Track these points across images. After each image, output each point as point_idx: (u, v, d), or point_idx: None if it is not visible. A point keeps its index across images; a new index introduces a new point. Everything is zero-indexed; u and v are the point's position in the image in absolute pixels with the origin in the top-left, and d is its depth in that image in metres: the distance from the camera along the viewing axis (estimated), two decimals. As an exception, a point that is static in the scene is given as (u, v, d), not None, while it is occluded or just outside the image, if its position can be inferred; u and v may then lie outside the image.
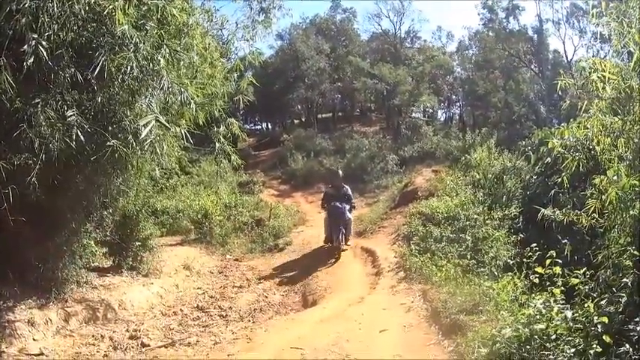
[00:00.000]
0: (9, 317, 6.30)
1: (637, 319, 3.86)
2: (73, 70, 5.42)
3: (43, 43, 4.90)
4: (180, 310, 8.51)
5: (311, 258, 12.02)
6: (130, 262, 9.02)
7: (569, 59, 30.82)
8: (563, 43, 40.17)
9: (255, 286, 10.08)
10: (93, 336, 7.04)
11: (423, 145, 27.91)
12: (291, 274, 10.98)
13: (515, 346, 4.37)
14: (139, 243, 9.08)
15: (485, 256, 8.58)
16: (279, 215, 15.91)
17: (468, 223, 10.27)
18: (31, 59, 4.83)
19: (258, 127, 45.90)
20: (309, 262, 11.60)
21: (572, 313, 4.26)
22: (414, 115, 35.91)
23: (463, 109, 43.25)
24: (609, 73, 4.38)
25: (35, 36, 4.85)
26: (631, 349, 3.70)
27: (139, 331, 7.38)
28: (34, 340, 6.34)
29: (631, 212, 4.38)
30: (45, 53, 4.89)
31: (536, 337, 4.27)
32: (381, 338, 6.50)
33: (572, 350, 3.94)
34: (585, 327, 4.07)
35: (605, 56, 6.05)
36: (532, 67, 35.20)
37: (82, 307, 7.33)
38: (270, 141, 35.75)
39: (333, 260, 11.35)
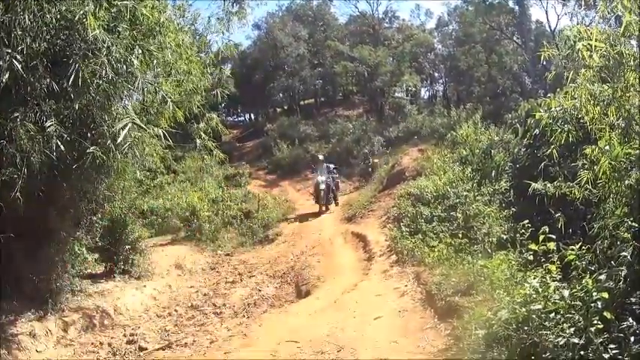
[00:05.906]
0: (12, 330, 6.41)
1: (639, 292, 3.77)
2: (48, 80, 5.38)
3: (18, 56, 4.86)
4: (175, 310, 8.51)
5: (301, 246, 12.01)
6: (122, 266, 9.00)
7: (552, 29, 30.52)
8: (546, 12, 39.96)
9: (247, 280, 10.05)
10: (92, 343, 7.10)
11: (408, 125, 27.76)
12: (284, 264, 10.98)
13: (513, 328, 4.30)
14: (129, 246, 9.05)
15: (478, 233, 8.49)
16: (267, 206, 15.89)
17: (457, 200, 10.23)
18: (7, 75, 4.77)
19: (242, 118, 45.43)
20: (300, 251, 11.59)
21: (570, 289, 4.14)
22: (396, 95, 35.50)
23: (446, 85, 42.87)
24: (596, 40, 4.22)
25: (9, 51, 4.81)
26: (634, 323, 3.61)
27: (136, 335, 7.41)
28: (37, 351, 6.46)
29: (626, 182, 4.28)
30: (20, 67, 4.85)
31: (534, 316, 4.17)
32: (376, 325, 6.49)
33: (572, 329, 3.83)
34: (585, 303, 3.95)
35: (590, 23, 5.90)
36: (514, 38, 34.81)
37: (79, 316, 7.41)
38: (253, 132, 35.39)
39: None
